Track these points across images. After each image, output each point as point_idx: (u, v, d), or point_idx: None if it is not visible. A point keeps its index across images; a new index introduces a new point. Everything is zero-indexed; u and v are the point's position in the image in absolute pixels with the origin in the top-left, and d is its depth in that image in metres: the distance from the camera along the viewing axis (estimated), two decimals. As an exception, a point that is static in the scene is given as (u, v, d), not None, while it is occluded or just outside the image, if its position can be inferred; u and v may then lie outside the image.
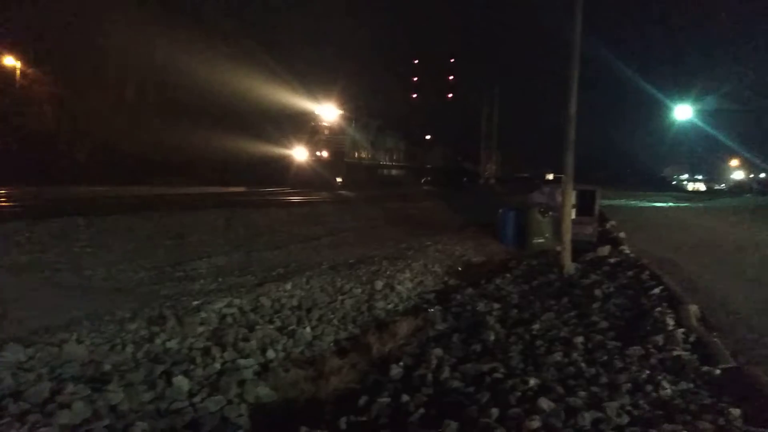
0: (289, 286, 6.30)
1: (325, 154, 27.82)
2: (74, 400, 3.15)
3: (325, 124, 28.61)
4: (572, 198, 8.29)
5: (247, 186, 22.36)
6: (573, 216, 8.34)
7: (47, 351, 3.81)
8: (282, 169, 27.12)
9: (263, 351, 4.58)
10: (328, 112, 28.97)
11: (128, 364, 3.93)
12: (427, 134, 45.97)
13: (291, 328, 5.22)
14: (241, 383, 3.88)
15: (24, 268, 6.43)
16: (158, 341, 4.36)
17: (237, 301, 5.52)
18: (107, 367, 3.77)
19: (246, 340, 4.70)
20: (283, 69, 28.83)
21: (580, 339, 4.50)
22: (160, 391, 3.53)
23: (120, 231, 9.27)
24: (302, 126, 28.30)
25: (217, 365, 4.16)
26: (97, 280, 6.29)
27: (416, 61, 73.14)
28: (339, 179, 27.19)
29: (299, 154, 27.54)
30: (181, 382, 3.69)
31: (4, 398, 3.14)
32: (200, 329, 4.77)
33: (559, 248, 8.07)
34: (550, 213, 10.38)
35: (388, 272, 7.52)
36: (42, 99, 25.80)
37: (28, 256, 7.05)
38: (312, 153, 27.70)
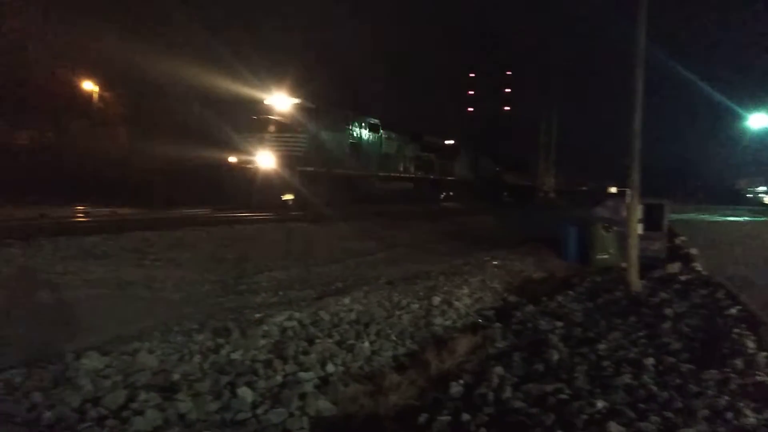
0: (347, 301, 6.36)
1: (267, 159, 18.30)
2: (147, 407, 3.30)
3: (273, 118, 19.05)
4: (639, 212, 7.96)
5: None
6: (640, 231, 8.00)
7: (122, 360, 4.01)
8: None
9: (323, 365, 4.63)
10: (279, 101, 19.59)
11: (195, 374, 4.07)
12: (450, 139, 35.12)
13: (350, 342, 5.26)
14: (302, 396, 3.93)
15: (100, 281, 6.81)
16: (223, 352, 4.49)
17: (297, 315, 5.61)
18: (176, 376, 3.93)
19: (306, 353, 4.77)
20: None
21: (650, 361, 4.29)
22: (225, 401, 3.64)
23: (186, 245, 9.68)
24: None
25: (279, 378, 4.24)
26: (167, 293, 6.57)
27: (472, 75, 72.85)
28: (288, 196, 18.34)
29: (234, 160, 18.78)
30: (245, 393, 3.78)
31: (85, 403, 3.33)
32: (262, 342, 4.88)
33: (624, 265, 7.75)
34: (615, 228, 10.01)
35: (445, 288, 7.45)
36: (116, 120, 27.50)
37: (103, 269, 7.47)
38: (250, 159, 18.46)
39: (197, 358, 4.31)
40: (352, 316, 6.00)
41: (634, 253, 7.53)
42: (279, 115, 19.57)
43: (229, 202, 17.64)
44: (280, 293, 6.80)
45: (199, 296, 6.50)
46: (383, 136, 25.22)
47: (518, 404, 3.60)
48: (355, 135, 22.78)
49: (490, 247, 11.74)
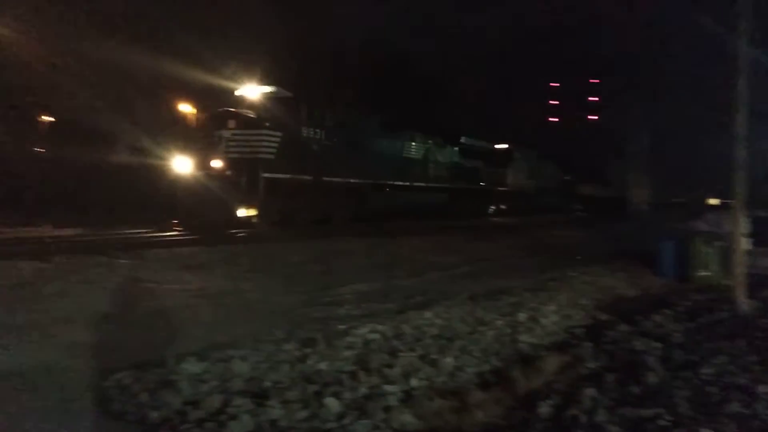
0: (429, 315, 6.34)
1: (218, 163, 14.29)
2: (241, 412, 3.46)
3: (232, 111, 15.01)
4: (744, 225, 7.34)
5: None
6: (746, 246, 7.36)
7: (217, 366, 4.25)
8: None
9: (406, 378, 4.62)
10: (248, 93, 15.75)
11: (284, 382, 4.21)
12: (502, 143, 29.07)
13: (432, 357, 5.22)
14: (387, 409, 3.95)
15: (196, 290, 7.27)
16: (310, 362, 4.62)
17: (380, 327, 5.67)
18: (267, 384, 4.09)
19: (389, 366, 4.79)
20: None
21: (764, 388, 3.92)
22: (313, 410, 3.73)
23: (275, 258, 10.12)
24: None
25: (364, 389, 4.29)
26: (257, 303, 6.89)
27: (556, 84, 70.87)
28: (249, 211, 14.19)
29: (184, 165, 14.58)
30: (331, 403, 3.86)
31: (186, 405, 3.55)
32: (347, 353, 4.97)
33: (729, 282, 7.16)
34: (717, 243, 9.28)
35: (530, 304, 7.23)
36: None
37: (198, 279, 7.97)
38: (203, 163, 14.40)
39: (286, 367, 4.46)
40: (435, 330, 5.96)
41: (740, 270, 6.94)
42: (242, 107, 15.48)
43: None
44: (363, 305, 6.91)
45: (285, 306, 6.75)
46: (405, 138, 21.00)
47: (613, 429, 3.42)
48: (359, 136, 18.32)
49: (575, 263, 11.28)
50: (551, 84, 71.27)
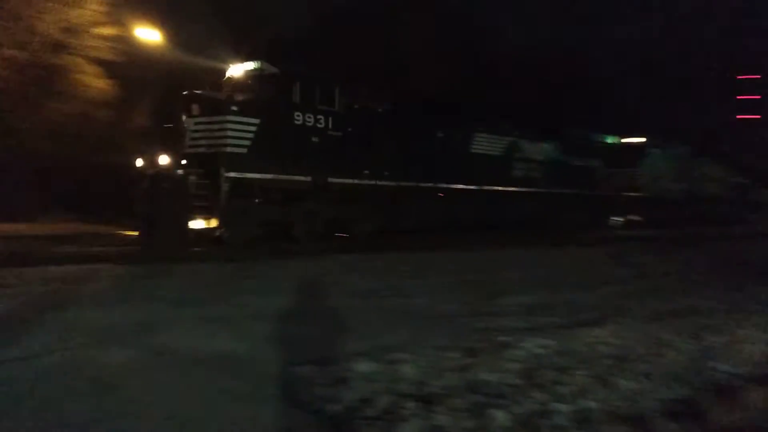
0: (601, 332, 5.91)
1: (165, 159, 11.58)
2: (410, 415, 3.55)
3: (198, 93, 11.96)
4: None
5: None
6: None
7: (385, 367, 4.42)
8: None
9: (577, 398, 4.34)
10: (235, 71, 12.80)
11: (448, 389, 4.22)
12: (634, 136, 23.01)
13: (605, 377, 4.82)
14: (558, 428, 3.74)
15: (363, 293, 7.67)
16: (474, 372, 4.57)
17: (547, 342, 5.42)
18: (432, 389, 4.13)
19: (558, 383, 4.54)
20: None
21: None
22: (480, 421, 3.68)
23: (433, 265, 10.31)
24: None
25: (530, 405, 4.12)
26: (417, 309, 7.04)
27: (739, 78, 61.95)
28: (208, 222, 11.21)
29: (141, 163, 12.20)
30: (498, 416, 3.77)
31: (357, 402, 3.75)
32: (511, 365, 4.82)
33: None
34: None
35: (723, 327, 6.36)
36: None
37: (365, 283, 8.41)
38: (155, 160, 11.71)
39: (450, 374, 4.47)
40: (607, 349, 5.51)
41: None
42: (227, 89, 12.51)
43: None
44: (527, 318, 6.68)
45: (447, 314, 6.79)
46: (471, 127, 16.56)
47: None
48: (390, 123, 14.43)
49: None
50: (739, 77, 62.25)
